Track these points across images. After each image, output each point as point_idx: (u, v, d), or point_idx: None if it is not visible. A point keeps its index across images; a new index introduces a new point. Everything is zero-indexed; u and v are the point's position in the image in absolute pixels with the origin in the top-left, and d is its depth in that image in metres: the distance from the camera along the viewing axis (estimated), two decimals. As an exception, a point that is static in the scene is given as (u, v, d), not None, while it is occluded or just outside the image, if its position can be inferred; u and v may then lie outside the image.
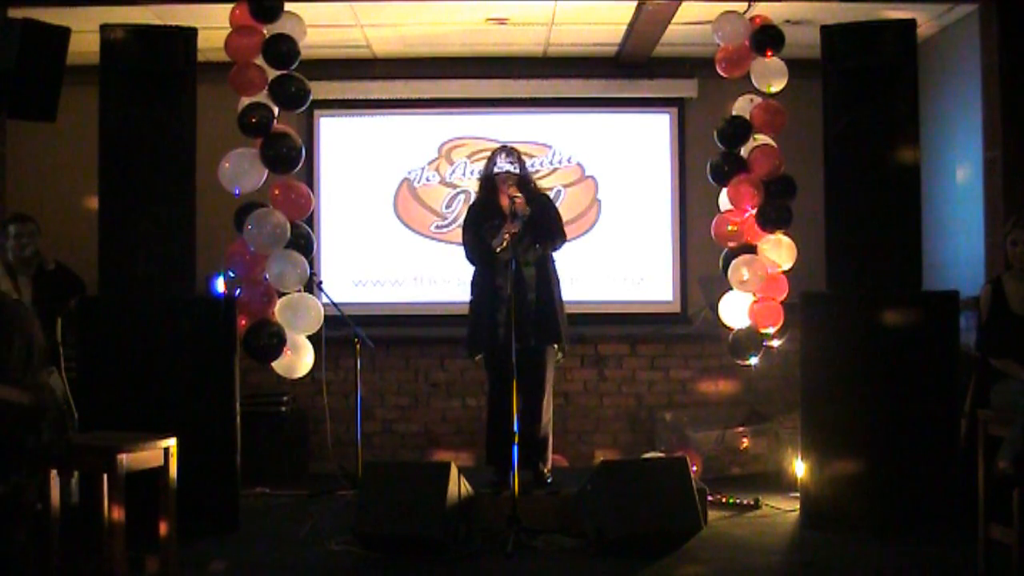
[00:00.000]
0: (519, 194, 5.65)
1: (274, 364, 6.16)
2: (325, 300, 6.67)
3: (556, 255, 5.89)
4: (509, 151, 5.85)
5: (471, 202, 6.19)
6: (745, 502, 6.19)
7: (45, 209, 7.49)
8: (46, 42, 5.50)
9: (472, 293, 5.91)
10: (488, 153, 6.01)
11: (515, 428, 5.23)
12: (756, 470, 7.15)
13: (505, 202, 5.70)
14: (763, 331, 6.41)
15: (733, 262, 6.44)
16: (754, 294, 6.44)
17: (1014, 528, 4.30)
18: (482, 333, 5.79)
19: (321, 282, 6.90)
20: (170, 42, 5.76)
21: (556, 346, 5.83)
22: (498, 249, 5.67)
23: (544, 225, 5.76)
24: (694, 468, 6.39)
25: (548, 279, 5.79)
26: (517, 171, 5.78)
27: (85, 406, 5.51)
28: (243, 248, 6.07)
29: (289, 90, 6.06)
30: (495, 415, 5.81)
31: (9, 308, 3.70)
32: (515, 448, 5.20)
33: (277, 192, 6.17)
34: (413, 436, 7.82)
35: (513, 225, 5.62)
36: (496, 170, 5.78)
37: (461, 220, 7.69)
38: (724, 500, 6.23)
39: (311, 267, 6.38)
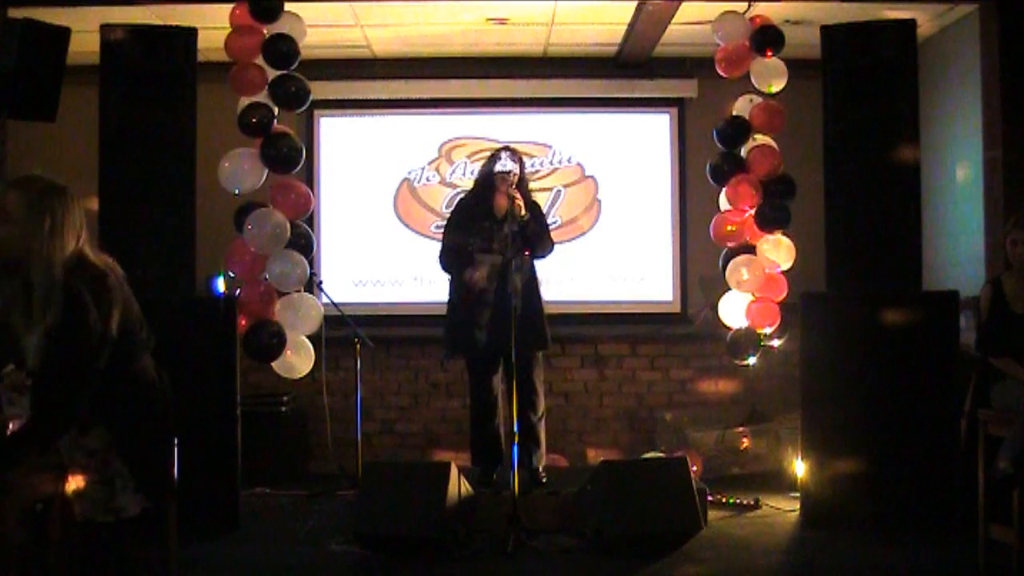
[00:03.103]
0: (519, 195, 5.61)
1: (274, 364, 6.16)
2: (325, 300, 6.67)
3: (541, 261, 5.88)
4: (513, 152, 5.81)
5: (460, 200, 6.13)
6: (745, 502, 6.19)
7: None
8: (46, 42, 5.49)
9: (450, 294, 5.87)
10: (488, 153, 5.98)
11: (515, 428, 5.23)
12: (756, 470, 7.14)
13: (502, 202, 5.62)
14: (760, 331, 6.42)
15: (732, 262, 6.44)
16: (752, 294, 6.44)
17: (1014, 528, 4.30)
18: (460, 336, 5.76)
19: (321, 282, 6.90)
20: (170, 42, 5.77)
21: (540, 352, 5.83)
22: (476, 276, 5.62)
23: (538, 232, 5.76)
24: (694, 468, 6.39)
25: (533, 285, 5.75)
26: (518, 173, 5.74)
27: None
28: (243, 248, 6.07)
29: (289, 90, 6.07)
30: (476, 416, 5.89)
31: (117, 277, 3.46)
32: (515, 448, 5.20)
33: (277, 192, 6.17)
34: (413, 436, 7.82)
35: (495, 257, 5.60)
36: (498, 168, 5.69)
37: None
38: (724, 500, 6.23)
39: (311, 267, 6.38)
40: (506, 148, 5.84)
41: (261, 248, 6.05)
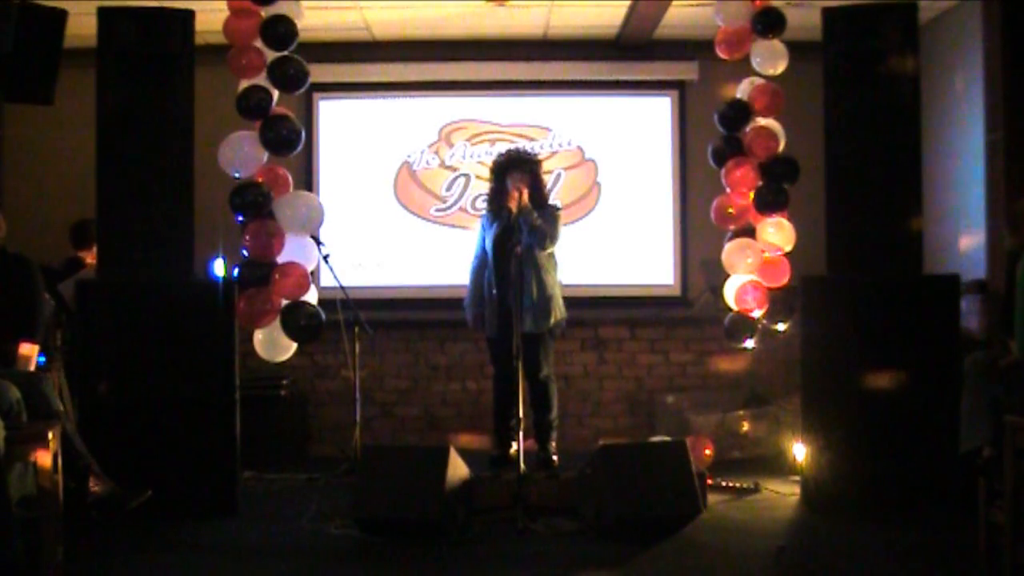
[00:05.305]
0: (522, 194, 6.08)
1: (256, 344, 6.09)
2: (332, 280, 6.62)
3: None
4: (523, 163, 6.31)
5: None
6: (745, 486, 6.19)
7: (43, 192, 7.50)
8: (43, 24, 5.47)
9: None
10: (504, 149, 6.59)
11: (519, 412, 5.39)
12: (756, 454, 7.13)
13: (513, 205, 6.05)
14: (751, 315, 6.40)
15: (727, 246, 6.43)
16: (756, 277, 6.41)
17: (1005, 507, 4.28)
18: (481, 321, 6.45)
19: (328, 256, 6.74)
20: (167, 24, 5.72)
21: (548, 333, 6.31)
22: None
23: (536, 225, 6.09)
24: (707, 452, 6.42)
25: (536, 269, 6.18)
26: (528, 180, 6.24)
27: (84, 391, 5.50)
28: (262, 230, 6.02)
29: (288, 72, 6.02)
30: (495, 399, 6.51)
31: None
32: (519, 428, 5.37)
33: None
34: (413, 419, 7.83)
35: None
36: (509, 183, 6.19)
37: (461, 203, 7.83)
38: (724, 484, 6.22)
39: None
40: (518, 160, 6.30)
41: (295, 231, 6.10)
